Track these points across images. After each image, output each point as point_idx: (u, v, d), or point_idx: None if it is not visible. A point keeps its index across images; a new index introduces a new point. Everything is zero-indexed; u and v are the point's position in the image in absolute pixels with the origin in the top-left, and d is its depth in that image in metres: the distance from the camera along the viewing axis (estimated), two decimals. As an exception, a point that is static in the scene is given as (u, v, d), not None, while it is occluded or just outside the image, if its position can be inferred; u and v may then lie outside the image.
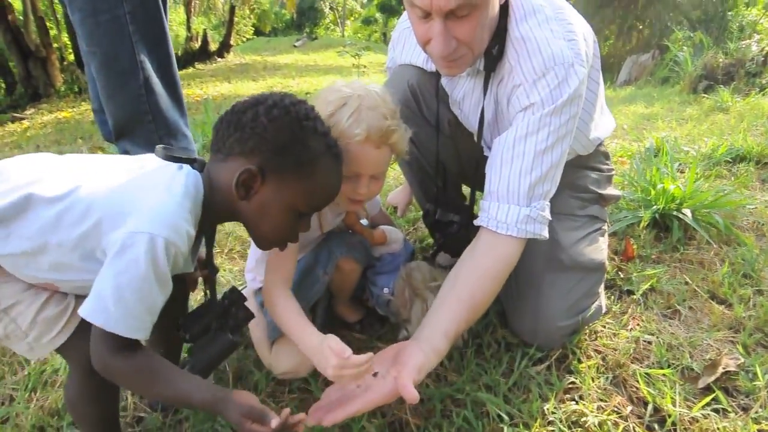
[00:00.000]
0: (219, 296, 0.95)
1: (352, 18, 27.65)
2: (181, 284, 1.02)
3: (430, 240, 1.81)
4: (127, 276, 0.69)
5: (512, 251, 1.03)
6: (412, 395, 0.83)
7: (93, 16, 1.30)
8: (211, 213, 0.83)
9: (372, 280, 1.34)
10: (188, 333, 0.93)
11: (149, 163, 0.82)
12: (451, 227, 1.27)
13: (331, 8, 28.45)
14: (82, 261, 0.74)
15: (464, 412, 1.01)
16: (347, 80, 1.08)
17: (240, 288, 1.09)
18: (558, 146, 1.02)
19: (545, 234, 1.05)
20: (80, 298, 0.77)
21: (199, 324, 0.94)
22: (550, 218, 1.05)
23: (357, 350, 0.89)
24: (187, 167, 0.81)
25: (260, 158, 0.79)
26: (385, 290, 1.28)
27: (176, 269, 0.76)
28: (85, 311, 0.69)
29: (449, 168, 1.33)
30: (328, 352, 0.87)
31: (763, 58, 4.94)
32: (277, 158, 0.79)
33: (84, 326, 0.72)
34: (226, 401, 0.74)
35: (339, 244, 1.18)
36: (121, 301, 0.69)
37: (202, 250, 0.96)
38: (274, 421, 0.72)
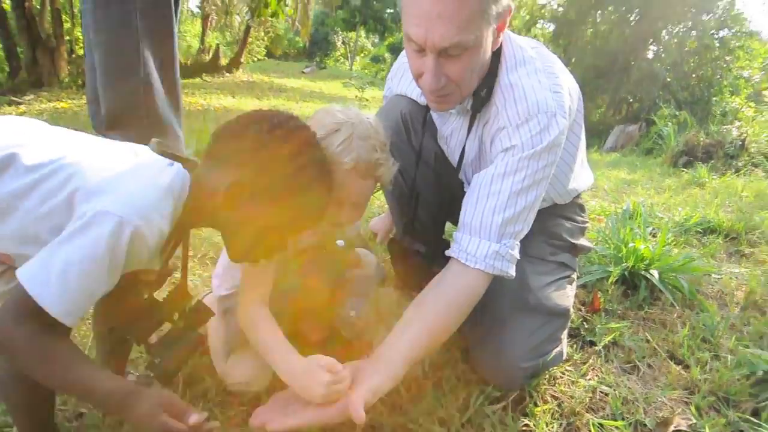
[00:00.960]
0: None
1: (362, 54, 28.48)
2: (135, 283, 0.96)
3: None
4: (81, 253, 0.65)
5: (478, 284, 1.04)
6: (360, 416, 0.81)
7: (104, 6, 1.33)
8: (191, 215, 0.81)
9: (340, 301, 1.32)
10: (132, 334, 0.88)
11: (142, 153, 0.81)
12: (413, 256, 1.28)
13: (343, 42, 29.32)
14: (48, 234, 0.70)
15: (414, 443, 0.99)
16: (345, 104, 1.09)
17: (206, 293, 1.06)
18: (533, 190, 1.04)
19: (512, 272, 1.06)
20: None
21: (145, 324, 0.89)
22: (519, 258, 1.06)
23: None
24: (178, 165, 0.80)
25: (252, 172, 0.77)
26: (352, 313, 1.26)
27: (137, 263, 0.73)
28: (24, 275, 0.64)
29: (428, 198, 1.35)
30: (318, 371, 0.84)
31: (741, 143, 5.18)
32: (269, 176, 0.78)
33: None
34: (137, 393, 0.68)
35: (308, 262, 1.16)
36: (65, 277, 0.64)
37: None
38: (194, 417, 0.67)
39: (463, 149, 1.18)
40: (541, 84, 1.04)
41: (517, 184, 1.02)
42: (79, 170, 0.70)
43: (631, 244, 1.79)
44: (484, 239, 1.03)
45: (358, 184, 1.00)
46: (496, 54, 1.05)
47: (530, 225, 1.09)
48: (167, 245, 0.84)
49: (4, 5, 7.24)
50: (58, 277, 0.64)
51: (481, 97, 1.08)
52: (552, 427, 1.08)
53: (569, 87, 1.10)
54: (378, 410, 1.08)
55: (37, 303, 0.63)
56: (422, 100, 1.27)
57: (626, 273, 1.74)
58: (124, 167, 0.75)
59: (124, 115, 1.43)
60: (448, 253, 1.08)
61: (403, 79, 1.35)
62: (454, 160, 1.26)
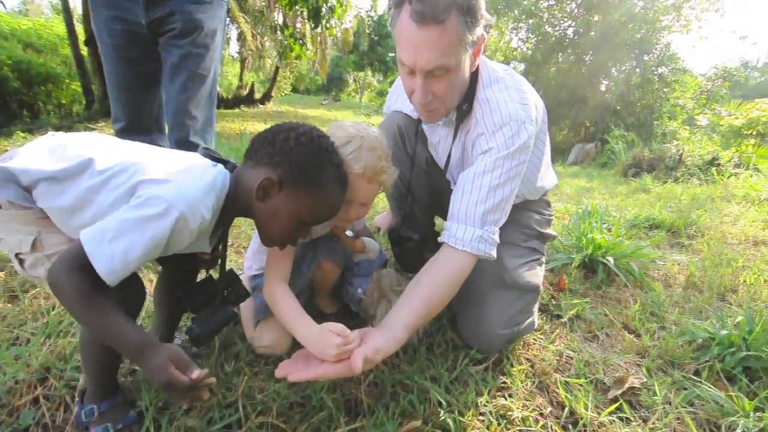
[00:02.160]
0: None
1: (369, 89, 28.53)
2: (194, 261, 0.99)
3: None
4: (132, 226, 0.65)
5: (465, 264, 1.01)
6: (357, 367, 0.79)
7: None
8: (232, 206, 0.80)
9: (349, 280, 1.29)
10: (186, 303, 0.88)
11: (192, 157, 0.81)
12: (408, 243, 1.25)
13: (354, 80, 29.43)
14: None
15: (410, 396, 0.95)
16: (354, 119, 1.08)
17: (239, 274, 1.04)
18: (508, 184, 1.02)
19: (493, 254, 1.03)
20: None
21: (197, 296, 0.90)
22: (499, 242, 1.04)
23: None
24: (220, 166, 0.80)
25: (282, 171, 0.78)
26: (359, 290, 1.23)
27: (179, 243, 0.72)
28: (84, 234, 0.64)
29: (421, 196, 1.32)
30: (330, 335, 0.82)
31: (678, 157, 5.11)
32: (295, 174, 0.78)
33: None
34: (155, 346, 0.66)
35: (323, 248, 1.15)
36: (115, 244, 0.64)
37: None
38: (196, 372, 0.66)
39: (449, 154, 1.16)
40: (511, 98, 1.03)
41: (495, 180, 1.00)
42: (141, 168, 0.71)
43: (590, 235, 1.75)
44: (469, 226, 1.00)
45: (365, 187, 1.00)
46: (474, 74, 1.04)
47: (507, 214, 1.06)
48: (215, 232, 0.83)
49: (82, 51, 7.31)
50: (110, 243, 0.64)
51: (463, 110, 1.07)
52: (526, 384, 1.04)
53: (535, 101, 1.08)
54: (380, 369, 1.05)
55: (88, 259, 0.63)
56: (415, 115, 1.25)
57: (586, 259, 1.70)
58: (178, 166, 0.75)
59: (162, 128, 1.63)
60: (440, 239, 1.06)
61: (399, 98, 1.34)
62: (441, 163, 1.24)
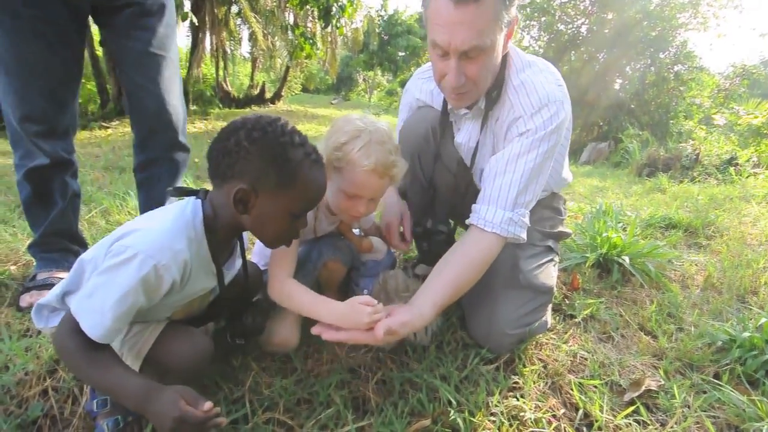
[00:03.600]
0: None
1: (379, 89, 28.51)
2: (245, 292, 1.01)
3: (412, 254, 1.76)
4: (103, 277, 0.68)
5: (494, 246, 1.01)
6: (379, 335, 0.84)
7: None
8: (219, 230, 0.79)
9: (355, 280, 1.28)
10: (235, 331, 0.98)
11: (163, 208, 0.82)
12: (439, 236, 1.23)
13: (364, 79, 29.45)
14: None
15: (419, 395, 0.93)
16: (361, 113, 1.06)
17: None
18: (543, 166, 1.02)
19: (523, 236, 1.02)
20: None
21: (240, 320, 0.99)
22: (529, 224, 1.03)
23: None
24: (189, 198, 0.80)
25: (250, 177, 0.73)
26: (365, 291, 1.21)
27: (165, 285, 0.71)
28: (73, 305, 0.68)
29: (444, 198, 1.28)
30: (360, 306, 0.86)
31: (695, 156, 4.99)
32: (264, 174, 0.73)
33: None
34: (160, 388, 0.65)
35: (328, 247, 1.13)
36: (92, 296, 0.67)
37: None
38: (207, 404, 0.64)
39: (476, 146, 1.14)
40: (547, 80, 1.02)
41: (530, 162, 1.00)
42: (116, 232, 0.75)
43: (604, 234, 1.71)
44: (500, 209, 1.00)
45: (376, 182, 0.97)
46: (503, 60, 1.02)
47: (537, 197, 1.06)
48: (221, 255, 0.84)
49: (97, 52, 7.44)
50: (89, 299, 0.68)
51: (492, 97, 1.05)
52: (538, 385, 1.01)
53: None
54: (389, 367, 1.03)
55: (72, 321, 0.67)
56: (437, 101, 1.20)
57: (601, 258, 1.65)
58: (143, 218, 0.79)
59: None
60: (468, 221, 1.05)
61: (423, 91, 1.26)
62: (468, 158, 1.20)
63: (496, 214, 1.00)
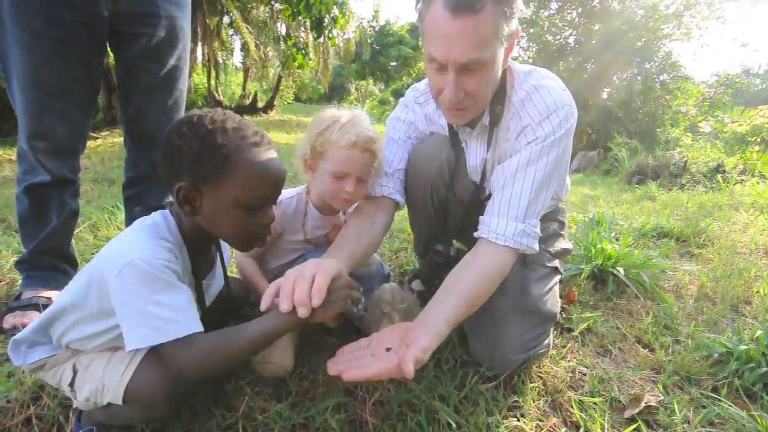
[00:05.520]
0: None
1: (371, 98, 28.73)
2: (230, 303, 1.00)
3: (407, 267, 1.75)
4: (133, 296, 0.65)
5: (507, 260, 0.98)
6: (410, 371, 0.74)
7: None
8: (188, 239, 0.77)
9: (349, 293, 1.25)
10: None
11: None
12: (446, 259, 1.20)
13: (356, 89, 29.67)
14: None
15: (418, 417, 0.91)
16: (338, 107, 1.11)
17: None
18: (552, 173, 1.00)
19: (536, 247, 0.99)
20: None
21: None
22: (541, 234, 1.01)
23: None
24: (158, 212, 0.78)
25: (187, 173, 0.70)
26: (359, 306, 1.19)
27: (175, 264, 0.70)
28: (137, 341, 0.65)
29: (455, 223, 1.26)
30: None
31: (683, 164, 5.08)
32: (198, 167, 0.69)
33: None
34: (275, 314, 0.70)
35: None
36: (154, 315, 0.65)
37: None
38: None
39: (484, 166, 1.11)
40: (552, 86, 1.00)
41: (541, 170, 0.97)
42: (93, 266, 0.74)
43: (599, 246, 1.71)
44: (511, 220, 0.97)
45: (359, 156, 1.01)
46: (504, 73, 1.00)
47: (547, 206, 1.04)
48: (201, 267, 0.83)
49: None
50: (172, 318, 0.66)
51: (496, 113, 1.03)
52: (538, 403, 1.00)
53: None
54: (385, 387, 1.01)
55: (170, 344, 0.65)
56: (441, 122, 1.16)
57: (596, 270, 1.66)
58: (116, 240, 0.75)
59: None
60: (477, 234, 1.01)
61: (423, 115, 1.19)
62: (477, 177, 1.17)
63: (508, 226, 0.96)
